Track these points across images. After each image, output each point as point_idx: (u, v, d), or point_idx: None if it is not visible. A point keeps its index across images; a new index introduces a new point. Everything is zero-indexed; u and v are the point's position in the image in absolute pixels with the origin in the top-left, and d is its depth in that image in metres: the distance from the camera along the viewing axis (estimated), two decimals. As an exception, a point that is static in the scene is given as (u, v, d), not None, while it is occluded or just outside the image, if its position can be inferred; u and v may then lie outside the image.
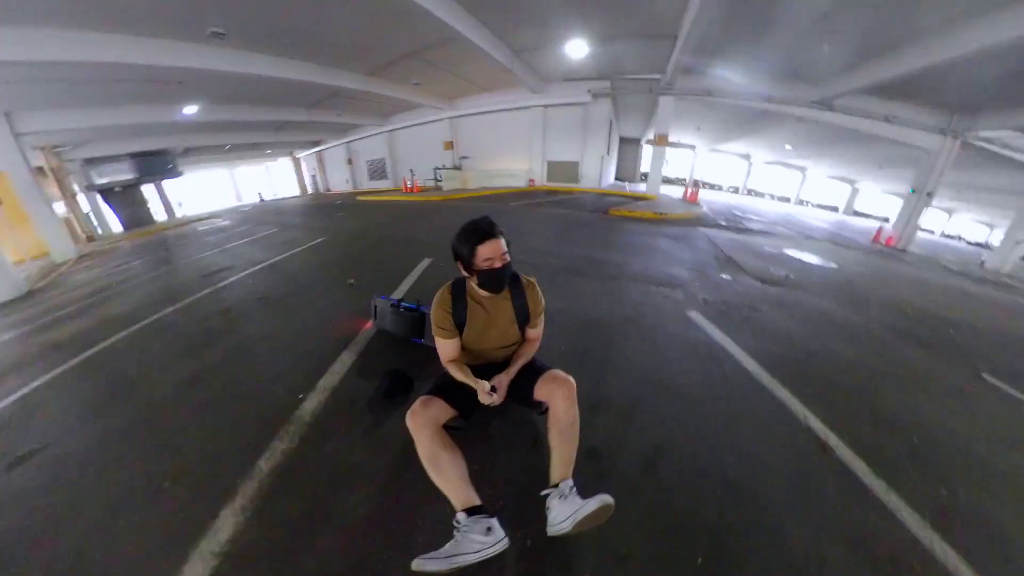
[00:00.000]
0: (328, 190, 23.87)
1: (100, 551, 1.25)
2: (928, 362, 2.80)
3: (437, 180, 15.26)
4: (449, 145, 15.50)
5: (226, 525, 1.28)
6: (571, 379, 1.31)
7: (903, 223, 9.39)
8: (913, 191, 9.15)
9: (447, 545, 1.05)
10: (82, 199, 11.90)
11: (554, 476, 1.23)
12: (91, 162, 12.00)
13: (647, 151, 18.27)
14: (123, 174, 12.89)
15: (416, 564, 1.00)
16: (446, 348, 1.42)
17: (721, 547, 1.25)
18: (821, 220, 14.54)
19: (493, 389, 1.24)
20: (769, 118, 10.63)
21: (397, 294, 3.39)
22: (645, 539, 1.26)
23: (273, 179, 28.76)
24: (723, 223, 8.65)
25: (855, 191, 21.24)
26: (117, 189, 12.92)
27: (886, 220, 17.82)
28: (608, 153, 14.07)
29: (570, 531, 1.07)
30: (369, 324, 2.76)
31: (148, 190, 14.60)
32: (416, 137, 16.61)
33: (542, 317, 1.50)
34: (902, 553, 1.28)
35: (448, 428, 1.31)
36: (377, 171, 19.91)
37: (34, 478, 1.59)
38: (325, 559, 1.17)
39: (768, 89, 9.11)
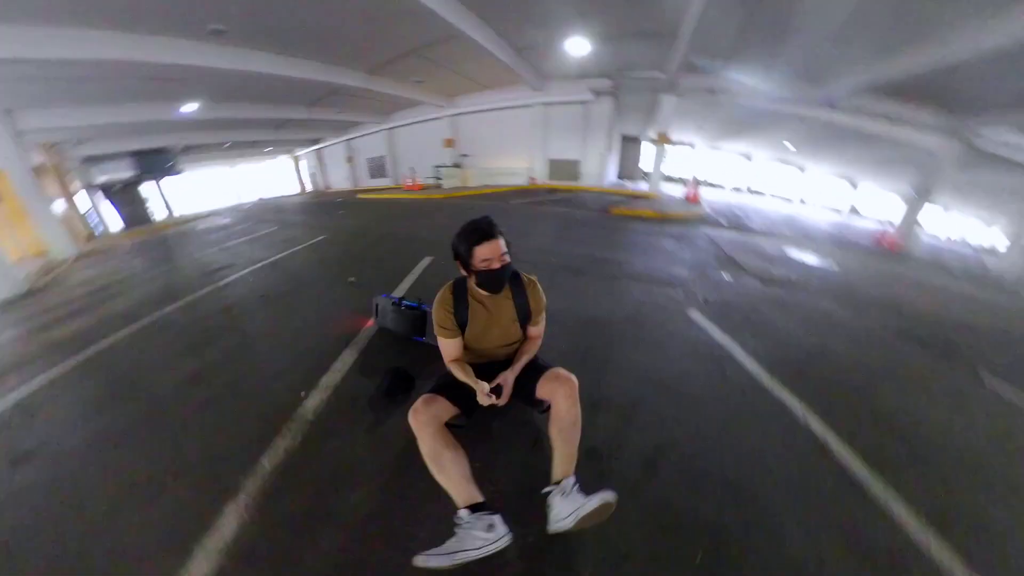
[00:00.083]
0: (328, 188, 23.84)
1: (103, 549, 1.26)
2: (927, 363, 2.80)
3: (438, 178, 15.23)
4: (450, 143, 15.46)
5: (229, 523, 1.28)
6: (573, 378, 1.32)
7: (904, 224, 9.38)
8: (915, 193, 9.13)
9: (449, 541, 1.06)
10: (82, 197, 11.89)
11: (556, 474, 1.24)
12: (91, 160, 11.98)
13: (648, 149, 18.24)
14: (123, 172, 12.87)
15: (419, 560, 1.01)
16: (448, 348, 1.43)
17: (720, 547, 1.25)
18: (822, 220, 14.53)
19: (493, 391, 1.24)
20: (771, 117, 10.60)
21: (398, 292, 3.39)
22: (645, 537, 1.27)
23: (273, 177, 28.70)
24: (724, 222, 8.64)
25: (857, 191, 21.18)
26: (117, 187, 12.91)
27: (888, 221, 17.80)
28: (609, 151, 14.04)
29: (572, 527, 1.08)
30: (370, 322, 2.77)
31: (149, 188, 14.59)
32: (417, 135, 16.56)
33: (543, 315, 1.50)
34: (899, 553, 1.29)
35: (450, 426, 1.31)
36: (377, 169, 19.88)
37: (36, 476, 1.60)
38: (328, 556, 1.18)
39: (771, 88, 9.08)
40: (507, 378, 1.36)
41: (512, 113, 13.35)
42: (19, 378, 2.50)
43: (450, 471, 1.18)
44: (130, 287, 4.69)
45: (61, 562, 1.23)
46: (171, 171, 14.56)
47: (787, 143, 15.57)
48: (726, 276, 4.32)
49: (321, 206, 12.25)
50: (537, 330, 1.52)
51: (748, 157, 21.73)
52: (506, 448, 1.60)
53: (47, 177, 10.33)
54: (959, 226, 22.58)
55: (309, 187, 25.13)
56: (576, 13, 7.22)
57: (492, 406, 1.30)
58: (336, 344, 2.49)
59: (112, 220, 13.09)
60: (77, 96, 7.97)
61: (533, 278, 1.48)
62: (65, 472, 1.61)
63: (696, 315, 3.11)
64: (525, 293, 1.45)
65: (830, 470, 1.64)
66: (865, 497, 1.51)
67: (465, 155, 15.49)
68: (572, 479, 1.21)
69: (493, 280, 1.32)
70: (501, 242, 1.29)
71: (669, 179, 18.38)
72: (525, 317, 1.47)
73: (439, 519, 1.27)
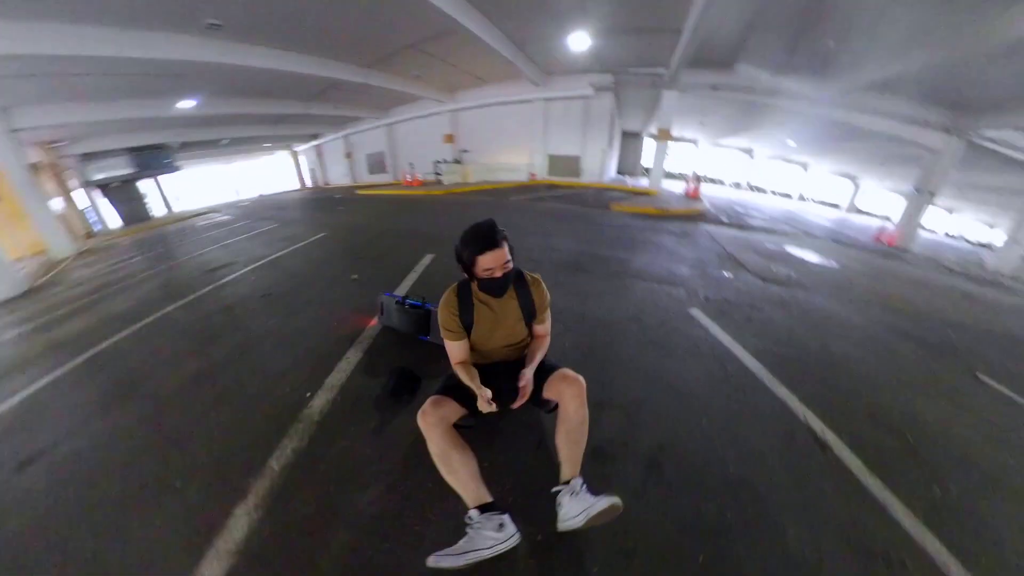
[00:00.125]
0: (327, 184, 23.70)
1: (115, 551, 1.27)
2: (925, 362, 2.83)
3: (437, 174, 15.15)
4: (449, 138, 15.36)
5: (240, 524, 1.30)
6: (581, 379, 1.33)
7: (905, 222, 9.37)
8: (916, 190, 9.11)
9: (461, 542, 1.08)
10: (80, 195, 11.81)
11: (564, 473, 1.26)
12: (88, 157, 11.87)
13: (649, 145, 18.14)
14: (120, 169, 12.77)
15: (431, 561, 1.03)
16: (455, 350, 1.43)
17: (722, 545, 1.28)
18: (822, 217, 14.52)
19: (493, 399, 1.24)
20: (773, 113, 10.54)
21: (400, 290, 3.39)
22: (650, 536, 1.29)
23: (272, 173, 28.51)
24: (725, 219, 8.63)
25: (857, 188, 21.12)
26: (115, 184, 12.82)
27: (887, 218, 17.78)
28: (609, 147, 13.96)
29: (582, 526, 1.11)
30: (374, 321, 2.77)
31: (147, 185, 14.49)
32: (416, 130, 16.44)
33: (548, 312, 1.50)
34: (896, 550, 1.31)
35: (458, 427, 1.33)
36: (376, 165, 19.74)
37: (44, 479, 1.61)
38: (339, 557, 1.20)
39: (772, 84, 9.01)
40: (525, 375, 1.33)
41: (512, 108, 13.24)
42: (23, 379, 2.51)
43: (459, 471, 1.20)
44: (130, 286, 4.68)
45: (71, 567, 1.23)
46: (169, 168, 14.46)
47: (789, 140, 15.49)
48: (727, 274, 4.33)
49: (320, 202, 12.19)
50: (544, 328, 1.52)
51: (749, 153, 21.64)
52: (512, 447, 1.61)
53: (44, 175, 10.26)
54: (959, 224, 22.59)
55: (308, 183, 24.98)
56: (577, 7, 7.13)
57: (492, 412, 1.29)
58: (340, 343, 2.50)
59: (111, 218, 13.03)
60: (72, 93, 7.88)
61: (537, 276, 1.48)
62: (72, 474, 1.61)
63: (697, 313, 3.12)
64: (529, 292, 1.45)
65: (829, 468, 1.67)
66: (864, 496, 1.54)
67: (465, 151, 15.40)
68: (580, 479, 1.23)
69: (494, 287, 1.33)
70: (504, 250, 1.27)
71: (670, 175, 18.32)
72: (530, 316, 1.47)
73: (448, 518, 1.29)
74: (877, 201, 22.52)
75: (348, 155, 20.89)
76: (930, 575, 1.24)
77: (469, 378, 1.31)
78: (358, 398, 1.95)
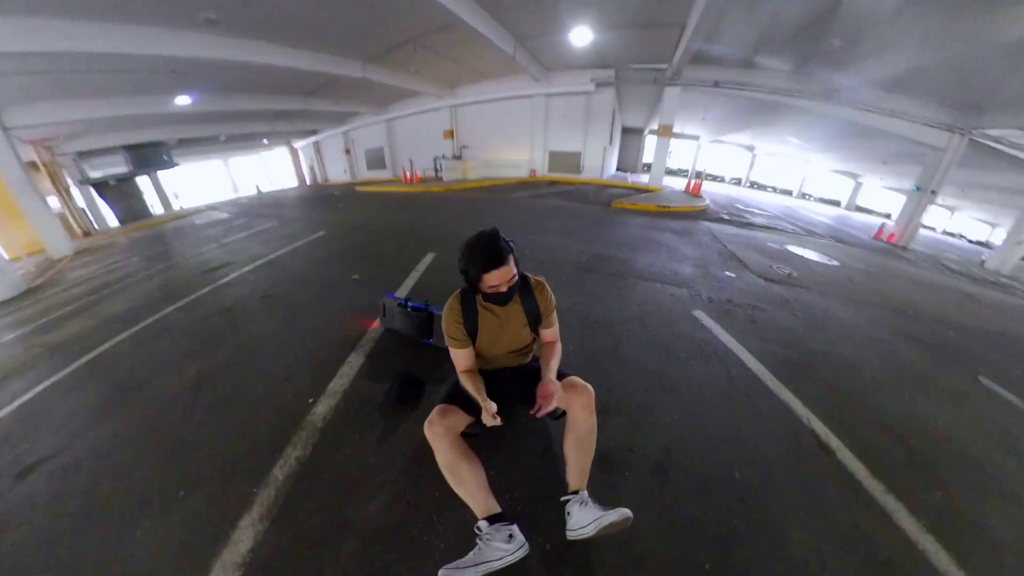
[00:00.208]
0: (326, 180, 23.54)
1: (119, 564, 1.25)
2: (927, 364, 2.83)
3: (437, 170, 15.04)
4: (449, 134, 15.22)
5: (246, 536, 1.29)
6: (590, 387, 1.32)
7: (905, 220, 9.34)
8: (917, 189, 9.07)
9: (471, 554, 1.08)
10: (77, 194, 11.70)
11: (572, 483, 1.26)
12: (84, 155, 11.74)
13: (650, 141, 18.02)
14: (117, 167, 12.63)
15: (442, 574, 1.03)
16: (460, 358, 1.42)
17: (727, 552, 1.28)
18: (823, 215, 14.49)
19: (499, 411, 1.23)
20: (775, 110, 10.45)
21: (402, 291, 3.37)
22: (657, 543, 1.29)
23: (270, 170, 28.30)
24: (726, 216, 8.60)
25: (858, 186, 21.04)
26: (112, 183, 12.69)
27: (888, 216, 17.76)
28: (610, 143, 13.86)
29: (592, 535, 1.12)
30: (375, 323, 2.75)
31: (144, 183, 14.35)
32: (416, 126, 16.28)
33: (554, 315, 1.47)
34: (899, 556, 1.32)
35: (465, 435, 1.32)
36: (376, 161, 19.59)
37: (46, 487, 1.59)
38: (348, 569, 1.19)
39: (776, 81, 8.92)
40: (552, 388, 1.24)
41: (513, 104, 13.12)
42: (22, 384, 2.49)
43: (468, 482, 1.20)
44: (129, 286, 4.65)
45: None
46: (166, 165, 14.30)
47: (792, 137, 15.39)
48: (729, 273, 4.32)
49: (319, 199, 12.11)
50: (552, 332, 1.48)
51: (751, 150, 21.53)
52: (519, 455, 1.61)
53: (40, 174, 10.15)
54: (959, 223, 22.57)
55: (307, 180, 24.80)
56: (580, 1, 7.03)
57: (496, 426, 1.25)
58: (342, 347, 2.48)
59: (108, 216, 12.93)
60: (66, 90, 7.77)
61: (541, 279, 1.45)
62: (73, 484, 1.60)
63: (701, 315, 3.11)
64: (534, 297, 1.42)
65: (833, 473, 1.67)
66: (867, 500, 1.54)
67: (465, 147, 15.27)
68: (586, 491, 1.23)
69: (500, 299, 1.31)
70: (511, 266, 1.24)
71: (671, 171, 18.23)
72: (535, 321, 1.45)
73: (457, 528, 1.28)
74: (878, 199, 22.49)
75: (347, 151, 20.72)
76: (932, 582, 1.24)
77: (475, 389, 1.30)
78: (362, 404, 1.93)
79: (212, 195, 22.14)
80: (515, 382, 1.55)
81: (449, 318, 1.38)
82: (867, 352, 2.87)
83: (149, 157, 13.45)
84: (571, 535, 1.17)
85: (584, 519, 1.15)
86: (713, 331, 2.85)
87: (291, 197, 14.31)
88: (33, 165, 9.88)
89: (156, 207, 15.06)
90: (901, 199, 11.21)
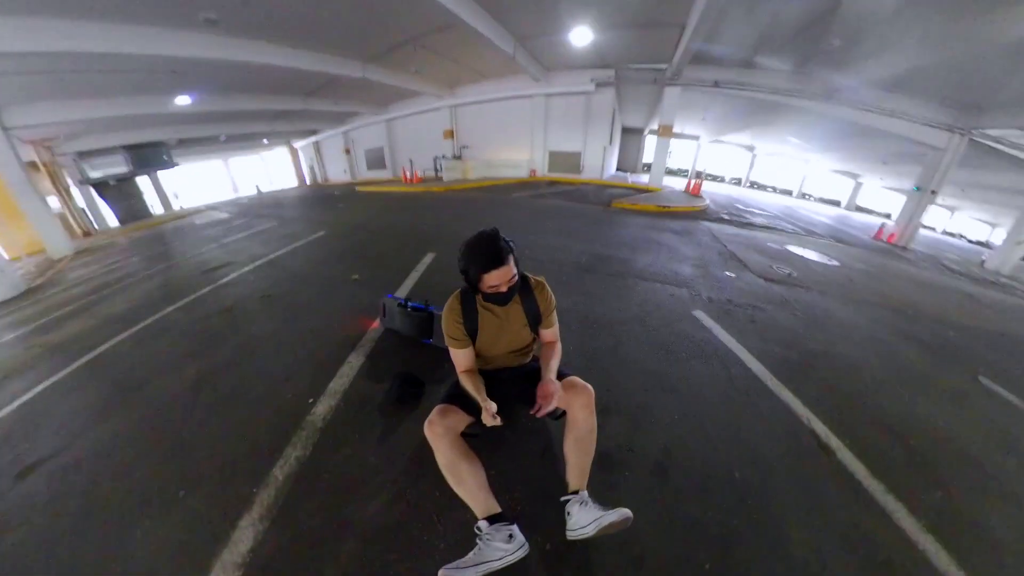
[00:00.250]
0: (326, 180, 23.54)
1: (119, 564, 1.25)
2: (927, 364, 2.83)
3: (437, 170, 15.04)
4: (449, 134, 15.22)
5: (246, 536, 1.28)
6: (590, 387, 1.32)
7: (906, 220, 9.34)
8: (917, 189, 9.07)
9: (471, 554, 1.09)
10: (77, 193, 11.70)
11: (572, 483, 1.27)
12: (84, 155, 11.74)
13: (649, 141, 18.01)
14: (117, 167, 12.63)
15: (442, 574, 1.03)
16: (460, 358, 1.42)
17: (728, 552, 1.28)
18: (823, 215, 14.49)
19: (499, 411, 1.23)
20: (775, 110, 10.45)
21: (402, 291, 3.37)
22: (657, 543, 1.30)
23: (270, 170, 28.30)
24: (726, 216, 8.60)
25: (858, 186, 21.04)
26: (112, 182, 12.69)
27: (888, 216, 17.76)
28: (610, 143, 13.86)
29: (592, 535, 1.13)
30: (376, 323, 2.75)
31: (144, 183, 14.36)
32: (416, 126, 16.28)
33: (555, 315, 1.47)
34: (899, 557, 1.32)
35: (465, 435, 1.32)
36: (376, 161, 19.60)
37: (45, 488, 1.59)
38: (348, 569, 1.19)
39: (776, 81, 8.92)
40: (552, 388, 1.24)
41: (513, 104, 13.12)
42: (22, 383, 2.49)
43: (468, 482, 1.20)
44: (129, 286, 4.65)
45: (79, 576, 1.21)
46: (166, 165, 14.30)
47: (792, 137, 15.39)
48: (729, 273, 4.32)
49: (319, 200, 12.11)
50: (552, 332, 1.48)
51: (751, 149, 21.52)
52: (519, 454, 1.61)
53: (40, 174, 10.15)
54: (959, 222, 22.58)
55: (307, 180, 24.80)
56: (579, 1, 7.03)
57: (496, 426, 1.25)
58: (342, 346, 2.48)
59: (109, 216, 12.93)
60: (66, 90, 7.77)
61: (541, 279, 1.45)
62: (73, 484, 1.60)
63: (701, 315, 3.11)
64: (534, 297, 1.42)
65: (833, 473, 1.67)
66: (867, 501, 1.55)
67: (465, 147, 15.28)
68: (586, 491, 1.23)
69: (500, 299, 1.31)
70: (511, 266, 1.24)
71: (670, 171, 18.23)
72: (535, 320, 1.45)
73: (457, 528, 1.28)
74: (878, 199, 22.49)
75: (347, 151, 20.72)
76: (932, 582, 1.24)
77: (475, 389, 1.30)
78: (362, 404, 1.93)
79: (212, 195, 22.14)
80: (515, 382, 1.55)
81: (449, 318, 1.38)
82: (867, 352, 2.87)
83: (149, 157, 13.45)
84: (571, 535, 1.17)
85: (584, 519, 1.15)
86: (713, 331, 2.85)
87: (291, 197, 14.32)
88: (33, 165, 9.89)
89: (156, 207, 15.07)
90: (901, 199, 11.21)
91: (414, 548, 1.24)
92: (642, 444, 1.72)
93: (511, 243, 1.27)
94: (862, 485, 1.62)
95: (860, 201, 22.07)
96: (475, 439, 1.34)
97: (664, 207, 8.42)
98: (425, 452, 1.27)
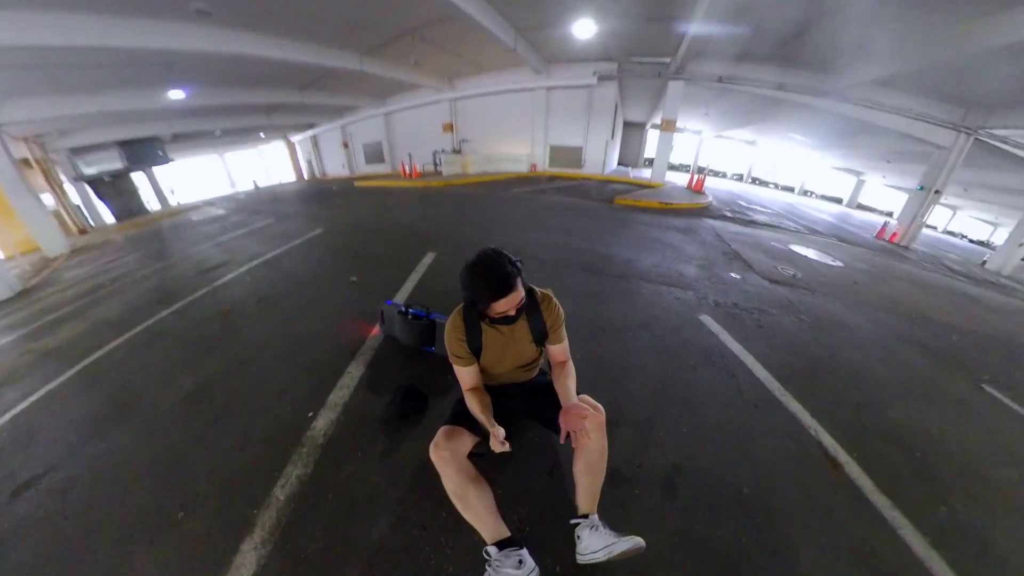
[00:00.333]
0: (324, 175, 23.27)
1: (120, 587, 1.22)
2: (932, 370, 2.82)
3: (436, 164, 14.85)
4: (449, 128, 15.00)
5: (248, 560, 1.25)
6: (600, 408, 1.28)
7: (908, 220, 9.27)
8: (921, 188, 8.98)
9: None
10: (72, 190, 11.52)
11: (582, 507, 1.24)
12: (77, 151, 11.53)
13: (651, 136, 17.81)
14: (111, 163, 12.44)
15: None
16: (465, 376, 1.37)
17: (737, 571, 1.27)
18: (825, 212, 14.43)
19: (506, 437, 1.18)
20: (779, 106, 10.29)
21: (402, 293, 3.31)
22: (668, 563, 1.28)
23: (267, 164, 27.94)
24: (728, 214, 8.54)
25: (860, 183, 20.89)
26: (106, 179, 12.49)
27: (889, 214, 17.68)
28: (612, 138, 13.68)
29: (603, 561, 1.12)
30: (376, 330, 2.70)
31: (139, 179, 14.14)
32: (415, 119, 16.03)
33: (563, 330, 1.39)
34: (905, 574, 1.32)
35: (472, 455, 1.28)
36: (374, 155, 19.35)
37: (40, 507, 1.55)
38: (353, 598, 1.16)
39: (781, 77, 8.77)
40: (582, 412, 1.17)
41: (513, 97, 12.90)
42: (15, 393, 2.44)
43: (476, 507, 1.17)
44: (124, 287, 4.58)
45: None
46: (161, 160, 14.09)
47: (795, 134, 15.22)
48: (734, 275, 4.27)
49: (317, 195, 11.96)
50: (562, 349, 1.40)
51: (753, 145, 21.31)
52: (526, 473, 1.57)
53: (33, 171, 9.97)
54: (960, 222, 22.52)
55: (305, 174, 24.52)
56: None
57: (505, 448, 1.19)
58: (342, 355, 2.43)
59: (105, 213, 12.76)
60: (55, 86, 7.56)
61: (548, 292, 1.38)
62: (69, 503, 1.55)
63: (707, 319, 3.07)
64: (540, 310, 1.36)
65: (840, 487, 1.66)
66: (874, 516, 1.54)
67: (465, 140, 15.07)
68: (596, 516, 1.21)
69: (508, 321, 1.26)
70: (520, 290, 1.18)
71: (671, 167, 18.06)
72: (541, 336, 1.40)
73: (466, 551, 1.26)
74: (880, 197, 22.39)
75: (345, 145, 20.43)
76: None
77: (482, 412, 1.26)
78: (363, 418, 1.89)
79: (209, 190, 21.89)
80: (522, 397, 1.51)
81: (452, 336, 1.33)
82: (872, 358, 2.85)
83: (144, 153, 13.24)
84: (581, 559, 1.15)
85: (595, 544, 1.13)
86: (720, 337, 2.81)
87: (289, 192, 14.15)
88: (26, 162, 9.70)
89: (152, 203, 14.88)
90: (903, 197, 11.13)
91: (422, 572, 1.21)
92: (651, 460, 1.69)
93: (518, 263, 1.19)
94: (869, 500, 1.61)
95: (862, 199, 21.97)
96: (482, 458, 1.30)
97: (667, 204, 8.34)
98: (430, 471, 1.24)
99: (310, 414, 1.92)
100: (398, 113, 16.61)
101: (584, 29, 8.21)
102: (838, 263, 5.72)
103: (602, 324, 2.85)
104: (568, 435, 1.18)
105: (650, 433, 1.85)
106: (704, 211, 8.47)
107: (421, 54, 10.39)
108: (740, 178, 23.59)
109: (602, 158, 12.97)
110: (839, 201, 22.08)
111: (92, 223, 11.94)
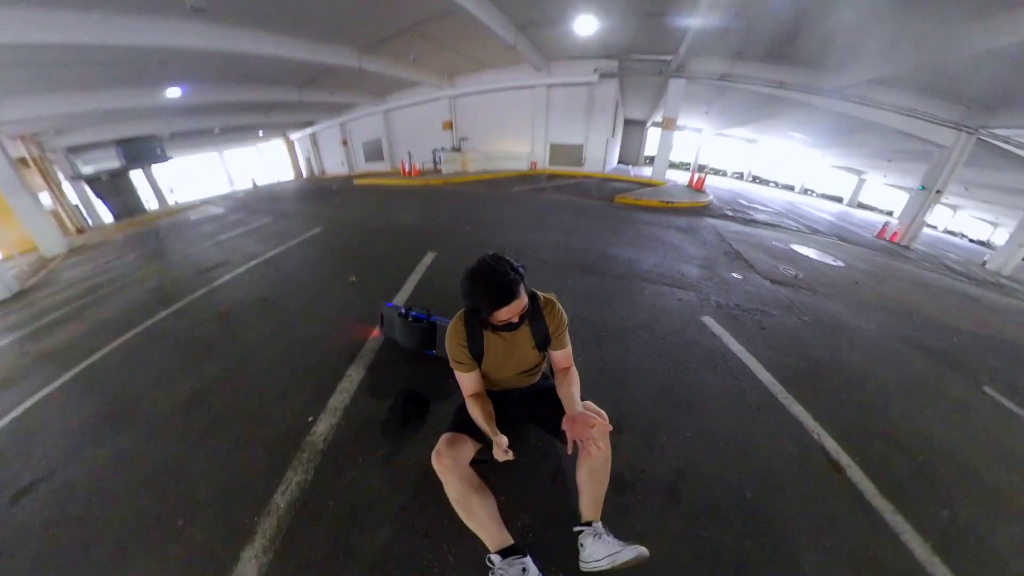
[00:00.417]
0: (324, 173, 23.17)
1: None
2: (933, 373, 2.81)
3: (436, 162, 14.78)
4: (448, 125, 14.92)
5: (249, 569, 1.24)
6: (604, 414, 1.26)
7: (909, 219, 9.25)
8: (922, 188, 8.95)
9: None
10: (70, 190, 11.45)
11: (585, 514, 1.23)
12: (75, 150, 11.45)
13: (652, 134, 17.74)
14: (109, 161, 12.36)
15: None
16: (467, 382, 1.35)
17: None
18: (825, 211, 14.40)
19: (509, 445, 1.17)
20: (779, 104, 10.24)
21: (402, 294, 3.29)
22: (671, 568, 1.28)
23: (267, 162, 27.79)
24: (729, 213, 8.51)
25: (861, 182, 20.83)
26: (104, 178, 12.42)
27: (890, 214, 17.65)
28: (613, 136, 13.62)
29: (607, 568, 1.11)
30: (375, 332, 2.68)
31: (137, 177, 14.08)
32: (414, 117, 15.94)
33: (567, 335, 1.37)
34: None
35: (474, 462, 1.27)
36: (373, 153, 19.26)
37: (40, 513, 1.54)
38: (355, 607, 1.15)
39: (780, 75, 8.72)
40: (590, 421, 1.15)
41: (514, 95, 12.82)
42: (13, 397, 2.42)
43: (479, 515, 1.16)
44: (122, 288, 4.55)
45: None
46: (159, 159, 14.01)
47: (795, 133, 15.15)
48: (736, 275, 4.26)
49: (316, 193, 11.91)
50: (565, 354, 1.38)
51: (753, 143, 21.24)
52: (529, 479, 1.56)
53: (30, 170, 9.91)
54: (960, 221, 22.50)
55: (304, 172, 24.41)
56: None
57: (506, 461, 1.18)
58: (341, 358, 2.41)
59: (104, 212, 12.71)
60: (52, 84, 7.49)
61: (551, 297, 1.36)
62: (68, 510, 1.54)
63: (709, 320, 3.06)
64: (542, 316, 1.34)
65: (843, 491, 1.66)
66: (876, 521, 1.53)
67: (464, 138, 14.99)
68: (600, 523, 1.20)
69: (511, 328, 1.24)
70: (523, 297, 1.16)
71: (672, 165, 18.00)
72: (544, 342, 1.38)
73: (469, 559, 1.25)
74: (880, 196, 22.35)
75: (344, 143, 20.33)
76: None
77: (484, 419, 1.24)
78: (363, 423, 1.87)
79: (208, 189, 21.78)
80: (525, 403, 1.49)
81: (453, 341, 1.31)
82: (874, 360, 2.84)
83: (142, 151, 13.16)
84: (585, 567, 1.14)
85: (598, 552, 1.12)
86: (722, 339, 2.80)
87: (288, 191, 14.10)
88: (23, 161, 9.64)
89: (151, 202, 14.81)
90: (904, 196, 11.10)
91: (425, 581, 1.20)
92: (655, 465, 1.68)
93: (520, 268, 1.17)
94: (871, 504, 1.61)
95: (863, 198, 21.92)
96: (484, 464, 1.29)
97: (668, 203, 8.31)
98: (431, 477, 1.22)
99: (310, 419, 1.90)
100: (397, 111, 16.51)
101: (585, 26, 8.14)
102: (839, 263, 5.70)
103: (604, 326, 2.84)
104: (575, 444, 1.17)
105: (653, 437, 1.84)
106: (705, 210, 8.45)
107: (421, 51, 10.30)
108: (740, 176, 23.54)
109: (603, 156, 12.91)
110: (839, 200, 22.04)
111: (90, 222, 11.88)
